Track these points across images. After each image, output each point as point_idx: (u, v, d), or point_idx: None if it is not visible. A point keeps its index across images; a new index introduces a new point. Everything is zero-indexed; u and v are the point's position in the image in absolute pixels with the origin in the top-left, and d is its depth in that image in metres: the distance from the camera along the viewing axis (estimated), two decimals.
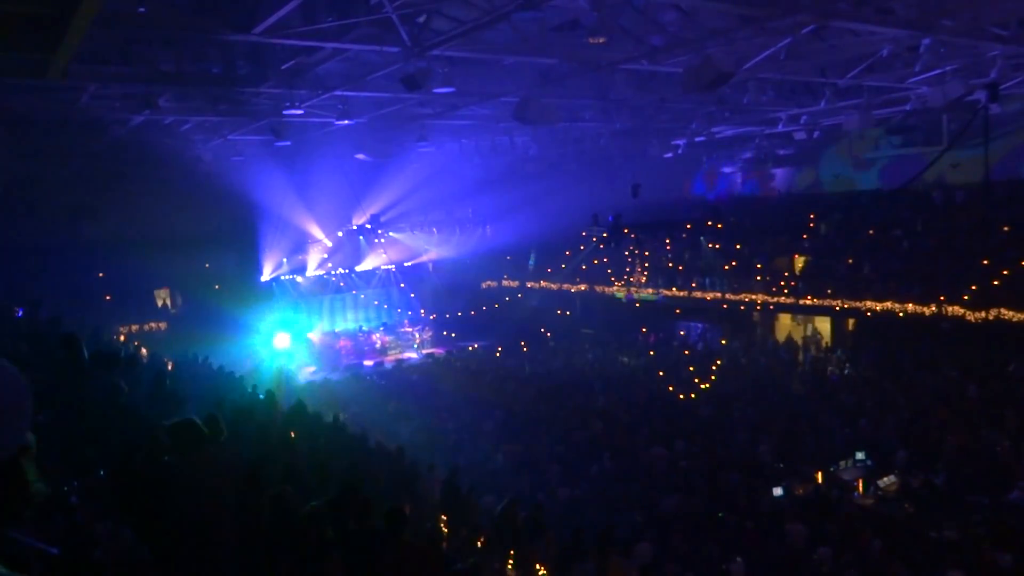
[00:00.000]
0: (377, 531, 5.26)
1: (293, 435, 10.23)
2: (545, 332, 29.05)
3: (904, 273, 21.20)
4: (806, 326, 25.95)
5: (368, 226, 29.36)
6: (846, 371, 21.65)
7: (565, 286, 29.58)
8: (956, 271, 19.62)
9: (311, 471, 7.57)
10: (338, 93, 13.32)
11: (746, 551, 11.93)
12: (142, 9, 9.00)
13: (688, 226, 25.55)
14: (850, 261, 22.83)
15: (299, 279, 28.89)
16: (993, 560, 10.94)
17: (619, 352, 27.02)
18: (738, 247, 25.61)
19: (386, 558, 5.13)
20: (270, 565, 4.15)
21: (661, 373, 23.62)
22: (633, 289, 27.29)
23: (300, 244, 28.35)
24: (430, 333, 29.98)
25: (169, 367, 13.87)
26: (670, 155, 22.50)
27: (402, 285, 31.37)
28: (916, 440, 16.08)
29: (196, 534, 3.99)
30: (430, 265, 32.26)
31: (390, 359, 27.62)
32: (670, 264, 27.22)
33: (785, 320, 26.44)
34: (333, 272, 29.58)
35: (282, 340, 26.63)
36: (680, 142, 21.71)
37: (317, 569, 4.20)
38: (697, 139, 21.38)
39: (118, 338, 19.84)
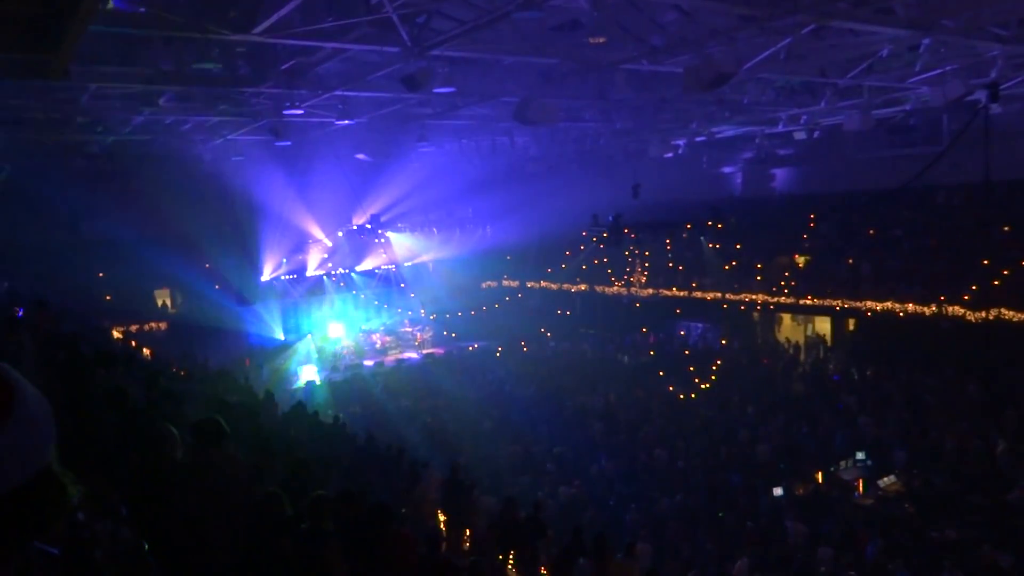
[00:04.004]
0: (368, 523, 5.29)
1: (294, 434, 10.23)
2: (545, 332, 29.07)
3: (904, 273, 21.20)
4: (806, 326, 25.95)
5: (368, 226, 29.35)
6: (846, 371, 21.65)
7: (565, 286, 29.58)
8: (956, 271, 19.62)
9: (312, 470, 7.55)
10: (338, 93, 13.31)
11: (746, 551, 11.93)
12: (142, 9, 9.00)
13: (688, 226, 25.56)
14: (850, 261, 22.83)
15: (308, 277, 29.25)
16: (993, 560, 10.95)
17: (619, 352, 27.04)
18: (738, 247, 25.61)
19: (380, 548, 5.17)
20: (268, 558, 4.14)
21: (661, 373, 23.63)
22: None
23: (300, 244, 28.34)
24: (430, 333, 29.96)
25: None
26: (670, 155, 22.49)
27: (402, 285, 31.36)
28: (916, 440, 16.08)
29: (200, 532, 3.99)
30: (430, 265, 32.25)
31: (390, 359, 27.63)
32: (670, 264, 27.22)
33: (785, 320, 26.44)
34: (333, 272, 29.57)
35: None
36: (680, 142, 21.70)
37: (316, 559, 4.20)
38: (697, 139, 21.38)
39: (116, 337, 19.81)
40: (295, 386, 23.24)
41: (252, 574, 4.05)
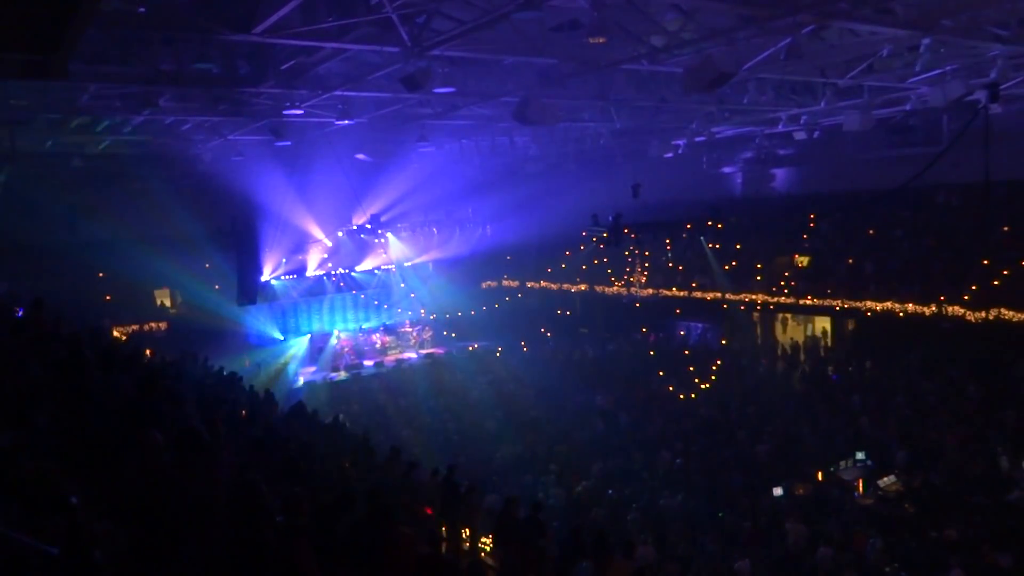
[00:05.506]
0: (363, 521, 5.27)
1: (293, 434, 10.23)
2: (545, 332, 29.07)
3: (904, 273, 21.20)
4: (806, 326, 25.95)
5: (368, 226, 29.33)
6: (846, 371, 21.65)
7: (565, 286, 29.58)
8: (956, 271, 19.62)
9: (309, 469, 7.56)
10: (338, 93, 13.31)
11: (746, 551, 11.93)
12: (142, 9, 9.00)
13: (688, 226, 25.56)
14: (850, 261, 22.83)
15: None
16: (993, 560, 10.95)
17: (619, 352, 27.03)
18: (738, 247, 25.61)
19: (376, 546, 5.15)
20: (240, 550, 4.11)
21: (661, 373, 23.63)
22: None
23: (300, 244, 28.32)
24: (430, 333, 29.96)
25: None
26: (670, 155, 22.48)
27: (402, 285, 31.35)
28: (916, 440, 16.08)
29: (189, 537, 3.97)
30: (430, 265, 32.24)
31: (390, 359, 27.62)
32: (670, 264, 27.22)
33: (785, 320, 26.44)
34: (333, 272, 29.55)
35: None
36: (680, 142, 21.70)
37: (286, 554, 4.16)
38: (697, 139, 21.36)
39: (118, 338, 19.80)
40: (295, 386, 23.24)
41: (225, 565, 4.03)
